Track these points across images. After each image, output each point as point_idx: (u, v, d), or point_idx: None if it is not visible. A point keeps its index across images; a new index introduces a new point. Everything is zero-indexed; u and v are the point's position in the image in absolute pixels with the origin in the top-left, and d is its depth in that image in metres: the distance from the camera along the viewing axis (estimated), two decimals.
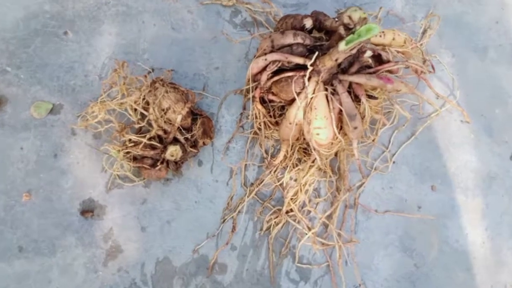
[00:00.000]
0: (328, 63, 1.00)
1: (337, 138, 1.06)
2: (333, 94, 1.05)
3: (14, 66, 1.26)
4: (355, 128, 1.05)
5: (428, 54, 1.34)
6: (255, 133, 1.23)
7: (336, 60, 0.98)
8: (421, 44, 1.31)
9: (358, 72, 1.08)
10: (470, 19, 1.43)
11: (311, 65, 1.00)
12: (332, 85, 1.05)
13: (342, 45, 0.94)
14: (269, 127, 1.20)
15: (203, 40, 1.34)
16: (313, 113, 1.03)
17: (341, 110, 1.05)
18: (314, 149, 1.05)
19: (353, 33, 0.93)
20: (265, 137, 1.21)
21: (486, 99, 1.33)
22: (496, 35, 1.42)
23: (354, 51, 0.96)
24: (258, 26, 1.36)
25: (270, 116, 1.19)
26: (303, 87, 1.04)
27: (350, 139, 1.08)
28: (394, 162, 1.25)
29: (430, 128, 1.28)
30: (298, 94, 1.05)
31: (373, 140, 1.21)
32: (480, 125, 1.30)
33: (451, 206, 1.22)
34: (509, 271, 1.18)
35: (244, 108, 1.27)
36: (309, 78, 1.02)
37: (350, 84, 1.08)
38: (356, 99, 1.09)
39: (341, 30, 1.00)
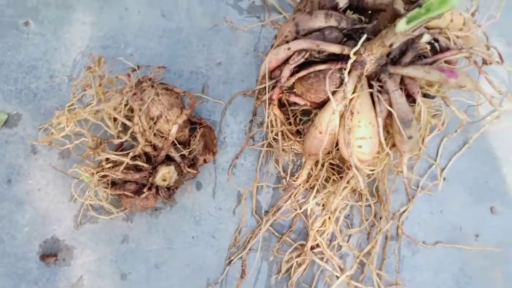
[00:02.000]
0: (378, 50, 0.73)
1: (384, 151, 0.80)
2: (380, 92, 0.79)
3: None
4: (410, 137, 0.79)
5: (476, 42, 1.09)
6: (270, 145, 0.96)
7: (391, 45, 0.71)
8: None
9: (412, 62, 0.82)
10: None
11: (355, 53, 0.74)
12: (379, 80, 0.79)
13: (401, 25, 0.66)
14: (288, 137, 0.93)
15: (201, 30, 1.08)
16: (355, 119, 0.76)
17: (389, 114, 0.79)
18: (356, 167, 0.78)
19: (419, 6, 0.67)
20: (283, 150, 0.94)
21: None
22: None
23: (416, 33, 0.70)
24: (270, 11, 1.09)
25: (290, 124, 0.93)
26: (340, 84, 0.78)
27: (400, 152, 0.82)
28: (444, 179, 0.98)
29: (486, 134, 1.02)
30: (334, 93, 0.78)
31: (418, 151, 0.95)
32: None
33: None
34: None
35: (255, 114, 0.99)
36: (350, 72, 0.76)
37: (402, 79, 0.82)
38: (408, 99, 0.83)
39: (398, 5, 0.73)
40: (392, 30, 0.69)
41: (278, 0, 1.08)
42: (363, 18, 0.88)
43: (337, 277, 0.88)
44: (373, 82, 0.79)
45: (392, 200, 0.95)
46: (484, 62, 0.88)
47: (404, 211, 0.95)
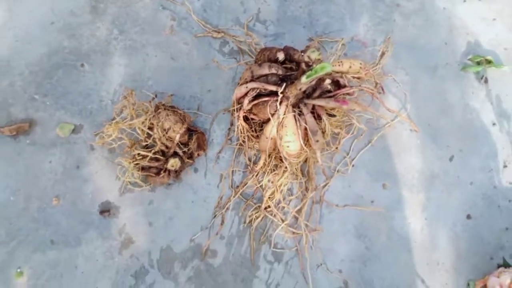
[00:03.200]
0: (294, 91, 1.27)
1: (303, 149, 1.35)
2: (299, 114, 1.32)
3: (41, 95, 1.52)
4: (317, 141, 1.33)
5: (384, 74, 1.61)
6: (240, 144, 1.48)
7: (300, 89, 1.25)
8: (377, 66, 1.57)
9: (319, 96, 1.35)
10: (423, 42, 1.68)
11: (281, 92, 1.28)
12: (299, 107, 1.33)
13: (303, 79, 1.21)
14: (251, 139, 1.47)
15: (197, 68, 1.58)
16: (284, 130, 1.31)
17: (306, 127, 1.33)
18: (285, 159, 1.34)
19: (311, 69, 1.21)
20: (249, 148, 1.48)
21: (433, 111, 1.58)
22: (445, 55, 1.65)
23: (313, 83, 1.24)
24: (243, 54, 1.60)
25: (252, 131, 1.46)
26: (276, 110, 1.31)
27: (314, 149, 1.37)
28: (353, 166, 1.49)
29: (384, 136, 1.53)
30: (272, 115, 1.31)
31: (336, 148, 1.49)
32: (426, 133, 1.55)
33: (398, 200, 1.47)
34: (441, 252, 1.42)
35: (231, 124, 1.53)
36: (280, 102, 1.27)
37: (314, 106, 1.35)
38: (319, 117, 1.36)
39: (303, 66, 1.28)
40: (300, 81, 1.24)
41: (248, 48, 1.63)
42: (293, 66, 1.42)
43: (280, 225, 1.43)
44: (295, 109, 1.33)
45: (319, 179, 1.48)
46: (373, 93, 1.42)
47: (324, 185, 1.48)
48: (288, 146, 1.32)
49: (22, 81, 1.55)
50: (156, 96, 1.49)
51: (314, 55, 1.23)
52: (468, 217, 1.48)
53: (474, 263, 1.43)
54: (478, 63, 1.61)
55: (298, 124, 1.32)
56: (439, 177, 1.52)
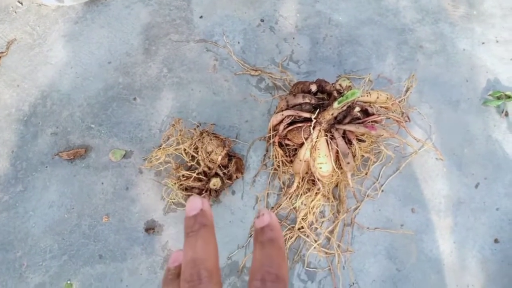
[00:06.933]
0: (327, 116, 1.34)
1: (335, 170, 1.40)
2: (331, 138, 1.39)
3: (97, 124, 1.64)
4: (348, 163, 1.38)
5: (409, 107, 1.67)
6: (275, 169, 1.55)
7: (332, 114, 1.32)
8: (401, 100, 1.65)
9: (350, 122, 1.41)
10: (445, 79, 1.75)
11: (315, 118, 1.36)
12: (330, 132, 1.40)
13: (335, 104, 1.29)
14: (285, 164, 1.54)
15: (236, 101, 1.67)
16: (317, 153, 1.37)
17: (337, 150, 1.39)
18: (318, 180, 1.39)
19: (342, 95, 1.29)
20: (283, 172, 1.55)
21: (457, 141, 1.63)
22: (466, 90, 1.71)
23: (344, 108, 1.30)
24: (278, 89, 1.70)
25: (286, 156, 1.53)
26: (310, 134, 1.38)
27: (345, 172, 1.42)
28: (382, 191, 1.54)
29: (411, 164, 1.58)
30: (306, 139, 1.39)
31: (366, 174, 1.54)
32: (451, 162, 1.59)
33: (427, 224, 1.48)
34: (470, 274, 1.41)
35: (267, 151, 1.61)
36: (314, 127, 1.36)
37: (344, 131, 1.42)
38: (349, 142, 1.42)
39: (335, 94, 1.36)
40: (332, 107, 1.31)
41: (283, 84, 1.74)
42: (325, 96, 1.50)
43: (313, 245, 1.46)
44: (327, 133, 1.40)
45: (350, 202, 1.53)
46: (399, 121, 1.48)
47: (355, 209, 1.52)
48: (320, 168, 1.37)
49: (81, 112, 1.67)
50: (199, 124, 1.59)
51: (345, 83, 1.31)
52: (496, 241, 1.47)
53: (503, 285, 1.40)
54: (498, 98, 1.65)
55: (330, 147, 1.37)
56: (465, 203, 1.52)
